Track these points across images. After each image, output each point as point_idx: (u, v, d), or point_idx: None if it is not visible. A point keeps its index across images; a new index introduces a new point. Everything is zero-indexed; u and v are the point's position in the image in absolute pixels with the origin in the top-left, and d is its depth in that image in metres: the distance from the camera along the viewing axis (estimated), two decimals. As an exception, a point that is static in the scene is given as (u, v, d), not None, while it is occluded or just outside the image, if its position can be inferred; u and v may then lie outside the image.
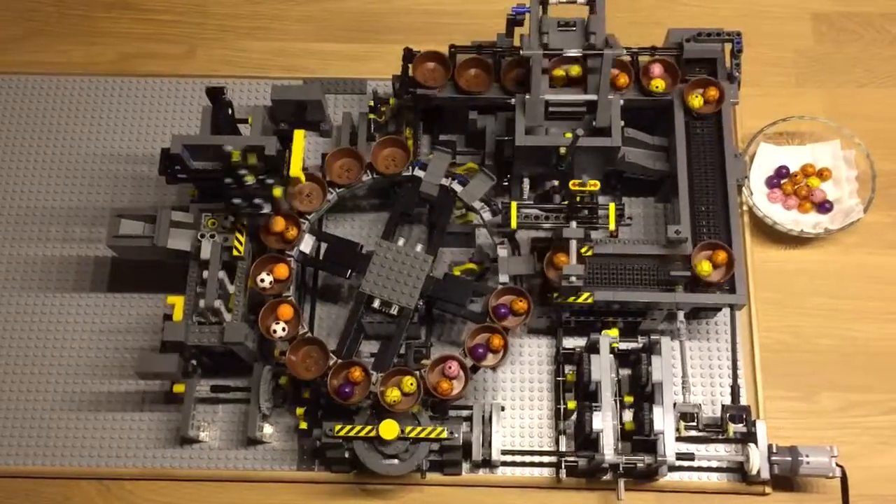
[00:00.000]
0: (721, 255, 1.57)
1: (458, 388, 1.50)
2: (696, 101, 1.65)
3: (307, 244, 1.59)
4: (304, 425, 1.59)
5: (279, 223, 1.56)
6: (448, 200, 1.64)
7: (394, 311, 1.56)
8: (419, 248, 1.59)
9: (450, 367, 1.51)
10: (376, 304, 1.56)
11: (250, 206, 1.53)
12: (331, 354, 1.52)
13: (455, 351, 1.54)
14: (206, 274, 1.56)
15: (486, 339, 1.53)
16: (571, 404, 1.61)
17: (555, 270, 1.54)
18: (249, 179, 1.50)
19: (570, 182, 1.52)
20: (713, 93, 1.65)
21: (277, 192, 1.53)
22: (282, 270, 1.55)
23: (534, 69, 1.55)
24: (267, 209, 1.54)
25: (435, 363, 1.52)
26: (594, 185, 1.52)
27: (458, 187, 1.63)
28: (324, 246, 1.64)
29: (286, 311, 1.53)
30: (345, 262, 1.61)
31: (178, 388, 1.61)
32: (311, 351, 1.53)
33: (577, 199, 1.53)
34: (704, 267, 1.56)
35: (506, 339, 1.52)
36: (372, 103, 1.78)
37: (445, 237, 1.74)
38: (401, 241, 1.59)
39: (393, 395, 1.48)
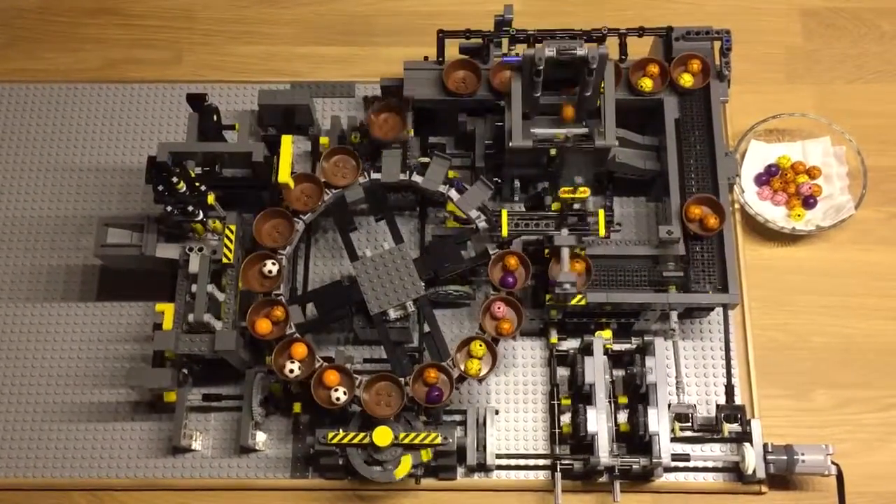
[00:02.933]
0: (696, 64, 1.65)
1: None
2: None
3: (297, 315, 1.56)
4: (297, 408, 1.60)
5: (262, 325, 1.51)
6: (378, 193, 1.64)
7: (410, 308, 1.56)
8: (386, 246, 1.59)
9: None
10: (392, 314, 1.56)
11: (183, 213, 1.53)
12: (399, 379, 1.50)
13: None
14: (194, 287, 1.55)
15: (503, 267, 1.54)
16: (566, 402, 1.61)
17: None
18: (181, 187, 1.50)
19: (561, 189, 1.52)
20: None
21: (211, 198, 1.54)
22: (300, 350, 1.51)
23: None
24: (201, 215, 1.54)
25: (419, 372, 1.51)
26: (584, 191, 1.52)
27: (454, 195, 1.63)
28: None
29: (333, 377, 1.50)
30: (338, 303, 1.59)
31: (170, 397, 1.60)
32: (380, 388, 1.51)
33: (569, 205, 1.53)
34: (686, 79, 1.64)
35: (494, 350, 1.51)
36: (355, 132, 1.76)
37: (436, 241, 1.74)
38: (368, 252, 1.58)
39: (474, 366, 1.49)
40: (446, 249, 1.61)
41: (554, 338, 1.66)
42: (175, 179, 1.49)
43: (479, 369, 1.49)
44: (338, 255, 1.77)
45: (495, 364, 1.50)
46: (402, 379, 1.50)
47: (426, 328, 1.60)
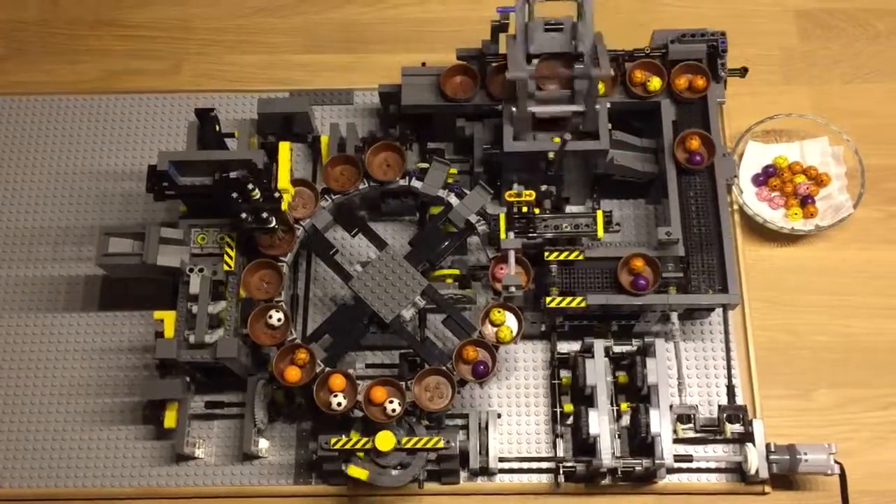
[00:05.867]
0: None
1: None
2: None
3: (320, 354, 1.55)
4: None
5: (291, 373, 1.50)
6: (343, 210, 1.64)
7: (420, 302, 1.56)
8: (373, 255, 1.59)
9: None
10: (406, 314, 1.55)
11: (257, 220, 1.52)
12: (400, 383, 1.49)
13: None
14: (195, 308, 1.55)
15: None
16: (568, 407, 1.61)
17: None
18: (255, 194, 1.50)
19: (506, 193, 1.55)
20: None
21: (285, 204, 1.53)
22: (338, 382, 1.49)
23: (519, 92, 1.54)
24: (273, 222, 1.54)
25: (420, 377, 1.51)
26: (529, 195, 1.54)
27: (454, 200, 1.63)
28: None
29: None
30: (353, 326, 1.57)
31: (170, 421, 1.60)
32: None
33: (515, 209, 1.54)
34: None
35: (516, 311, 1.51)
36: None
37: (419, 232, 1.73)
38: (358, 267, 1.58)
39: (505, 332, 1.50)
40: (430, 235, 1.61)
41: (554, 340, 1.66)
42: (251, 186, 1.48)
43: (510, 332, 1.50)
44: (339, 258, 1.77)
45: (521, 327, 1.51)
46: (402, 383, 1.50)
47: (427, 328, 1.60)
